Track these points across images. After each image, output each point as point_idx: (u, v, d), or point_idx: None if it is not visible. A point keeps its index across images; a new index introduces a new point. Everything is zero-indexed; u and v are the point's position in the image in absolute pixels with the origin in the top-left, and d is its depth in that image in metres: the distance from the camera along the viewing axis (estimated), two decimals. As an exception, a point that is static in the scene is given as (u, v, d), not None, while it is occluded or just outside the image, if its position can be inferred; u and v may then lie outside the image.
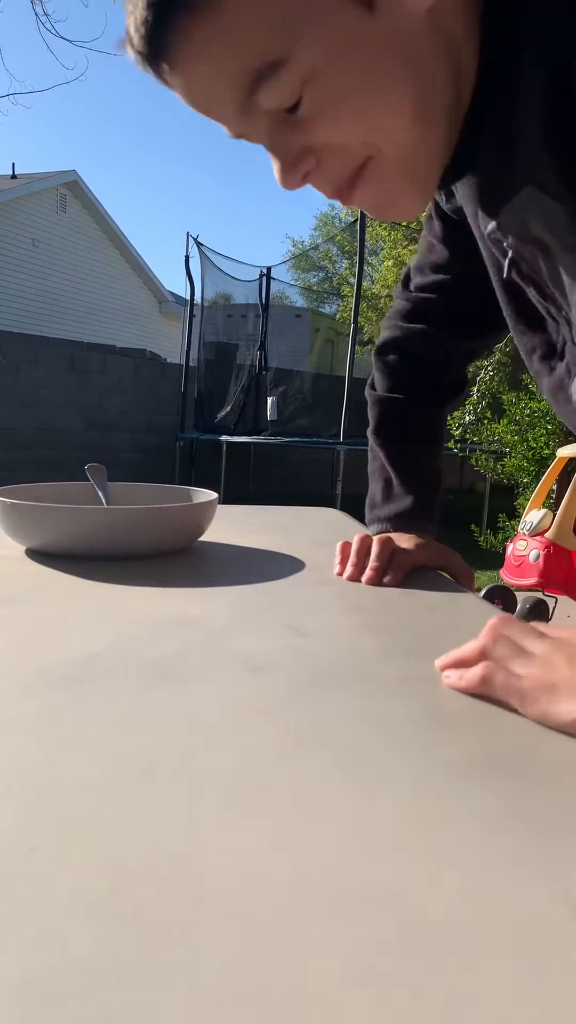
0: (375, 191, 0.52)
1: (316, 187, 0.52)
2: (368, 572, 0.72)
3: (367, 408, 0.91)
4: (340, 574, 0.74)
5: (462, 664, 0.46)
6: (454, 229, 0.74)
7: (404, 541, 0.78)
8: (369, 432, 0.90)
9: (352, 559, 0.74)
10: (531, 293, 0.60)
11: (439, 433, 0.93)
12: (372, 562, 0.73)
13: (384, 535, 0.78)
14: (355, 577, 0.73)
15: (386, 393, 0.90)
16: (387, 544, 0.75)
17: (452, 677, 0.45)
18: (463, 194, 0.61)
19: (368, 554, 0.74)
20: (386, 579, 0.72)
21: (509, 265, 0.58)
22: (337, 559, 0.76)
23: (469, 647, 0.47)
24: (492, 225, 0.56)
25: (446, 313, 0.84)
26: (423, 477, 0.87)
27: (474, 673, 0.44)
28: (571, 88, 0.43)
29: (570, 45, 0.43)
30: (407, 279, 0.88)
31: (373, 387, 0.91)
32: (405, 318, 0.88)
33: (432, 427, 0.91)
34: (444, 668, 0.47)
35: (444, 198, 0.73)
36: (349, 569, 0.74)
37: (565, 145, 0.45)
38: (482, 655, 0.45)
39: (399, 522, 0.84)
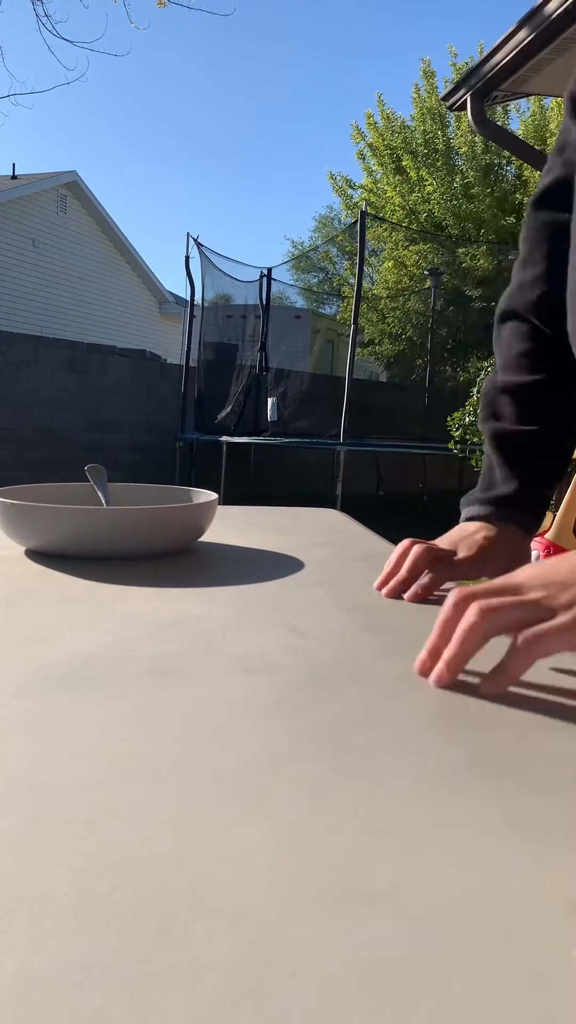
0: None
1: None
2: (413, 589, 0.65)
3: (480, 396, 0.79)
4: (380, 588, 0.67)
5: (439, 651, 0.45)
6: None
7: (466, 546, 0.70)
8: (480, 421, 0.79)
9: (402, 574, 0.66)
10: None
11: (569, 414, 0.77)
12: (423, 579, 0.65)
13: (428, 545, 0.68)
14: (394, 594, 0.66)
15: (506, 376, 0.78)
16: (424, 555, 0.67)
17: (438, 669, 0.44)
18: None
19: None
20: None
21: None
22: (386, 570, 0.68)
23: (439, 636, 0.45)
24: None
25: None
26: (539, 460, 0.75)
27: (468, 620, 0.43)
28: None
29: None
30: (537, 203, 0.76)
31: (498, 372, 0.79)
32: (529, 275, 0.75)
33: (559, 405, 0.76)
34: (426, 667, 0.46)
35: None
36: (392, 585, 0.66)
37: None
38: (458, 616, 0.44)
39: (492, 509, 0.73)
